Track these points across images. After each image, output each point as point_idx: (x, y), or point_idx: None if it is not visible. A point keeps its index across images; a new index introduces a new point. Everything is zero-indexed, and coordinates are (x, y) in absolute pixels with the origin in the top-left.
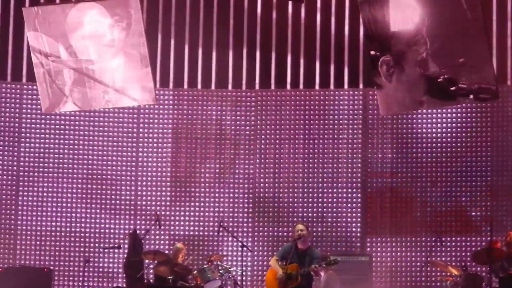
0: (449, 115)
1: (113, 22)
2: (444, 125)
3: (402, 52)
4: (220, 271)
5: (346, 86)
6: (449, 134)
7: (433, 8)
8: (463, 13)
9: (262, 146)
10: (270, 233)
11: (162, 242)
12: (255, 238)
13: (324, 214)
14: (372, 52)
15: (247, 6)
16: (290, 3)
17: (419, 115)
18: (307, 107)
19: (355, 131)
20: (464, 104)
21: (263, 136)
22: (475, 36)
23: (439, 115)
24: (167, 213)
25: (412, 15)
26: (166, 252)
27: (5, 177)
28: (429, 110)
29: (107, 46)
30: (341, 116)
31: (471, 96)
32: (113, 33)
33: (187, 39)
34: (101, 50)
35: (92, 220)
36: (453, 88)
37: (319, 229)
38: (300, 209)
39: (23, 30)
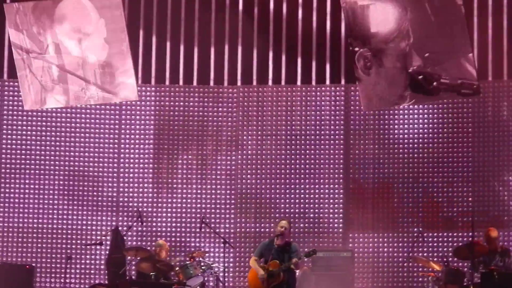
0: (430, 110)
1: (95, 19)
2: (425, 120)
3: (381, 46)
4: (202, 267)
5: (328, 82)
6: (430, 130)
7: (416, 3)
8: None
9: (244, 142)
10: (252, 229)
11: (144, 238)
12: (237, 234)
13: (306, 210)
14: (353, 48)
15: (228, 3)
16: None
17: (400, 111)
18: (289, 103)
19: (337, 127)
20: (445, 100)
21: (245, 132)
22: (457, 31)
23: (420, 110)
24: (149, 209)
25: (394, 9)
26: (148, 248)
27: None
28: (411, 106)
29: (89, 42)
30: (323, 112)
31: (454, 92)
32: (95, 29)
33: (168, 36)
34: (83, 46)
35: (74, 217)
36: (435, 84)
37: (301, 225)
38: (282, 205)
39: (4, 27)
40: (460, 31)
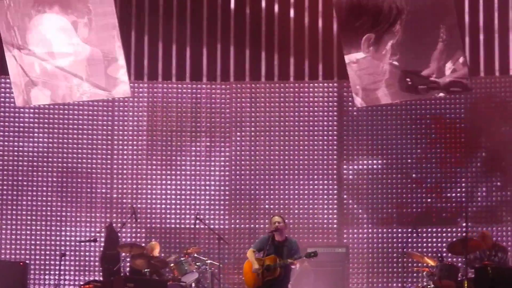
0: (422, 106)
1: (75, 18)
2: (418, 116)
3: (381, 33)
4: (197, 264)
5: (320, 78)
6: (423, 126)
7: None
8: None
9: (238, 138)
10: (247, 225)
11: (138, 235)
12: (232, 230)
13: (301, 206)
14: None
15: (220, 1)
16: None
17: (393, 106)
18: (281, 99)
19: (330, 123)
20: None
21: (238, 129)
22: (448, 29)
23: (412, 106)
24: (143, 205)
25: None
26: (143, 245)
27: None
28: (403, 102)
29: (81, 39)
30: (316, 108)
31: (443, 90)
32: (87, 25)
33: (161, 33)
34: (74, 42)
35: (68, 214)
36: (424, 83)
37: (296, 221)
38: (276, 201)
39: None
40: (451, 29)
